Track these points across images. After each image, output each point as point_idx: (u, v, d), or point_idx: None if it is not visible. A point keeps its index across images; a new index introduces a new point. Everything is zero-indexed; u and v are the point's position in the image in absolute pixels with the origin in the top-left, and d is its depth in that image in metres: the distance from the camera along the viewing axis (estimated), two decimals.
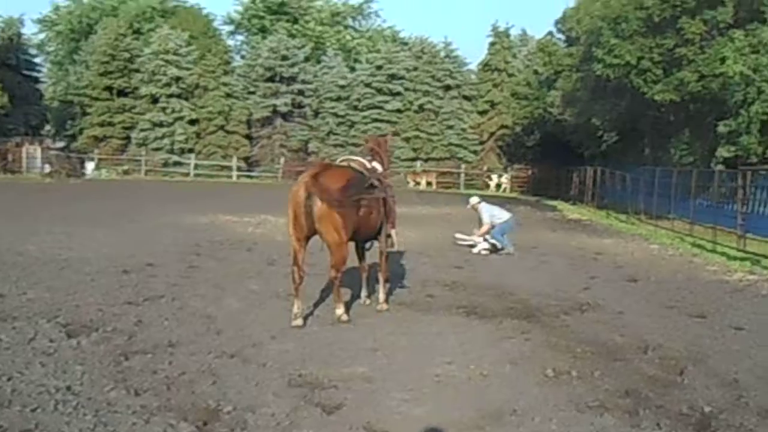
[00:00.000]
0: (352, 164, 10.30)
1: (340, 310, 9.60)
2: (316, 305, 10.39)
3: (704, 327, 10.27)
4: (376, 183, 10.09)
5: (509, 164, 57.07)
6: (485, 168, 57.65)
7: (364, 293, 10.92)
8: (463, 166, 57.45)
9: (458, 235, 18.73)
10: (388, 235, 10.51)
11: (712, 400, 6.96)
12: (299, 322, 9.18)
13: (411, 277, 13.53)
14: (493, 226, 17.72)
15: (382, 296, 10.59)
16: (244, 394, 6.53)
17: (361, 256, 10.88)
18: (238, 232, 19.84)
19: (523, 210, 34.35)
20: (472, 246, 17.94)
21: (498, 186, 54.26)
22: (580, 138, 41.69)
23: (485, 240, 17.76)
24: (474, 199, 18.83)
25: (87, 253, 14.56)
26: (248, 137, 58.10)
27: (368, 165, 10.38)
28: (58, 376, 6.80)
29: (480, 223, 18.02)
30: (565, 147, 45.20)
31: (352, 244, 10.53)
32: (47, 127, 64.44)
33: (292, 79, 58.44)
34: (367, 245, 10.80)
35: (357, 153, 12.33)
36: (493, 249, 17.63)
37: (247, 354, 7.81)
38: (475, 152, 58.49)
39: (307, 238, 9.48)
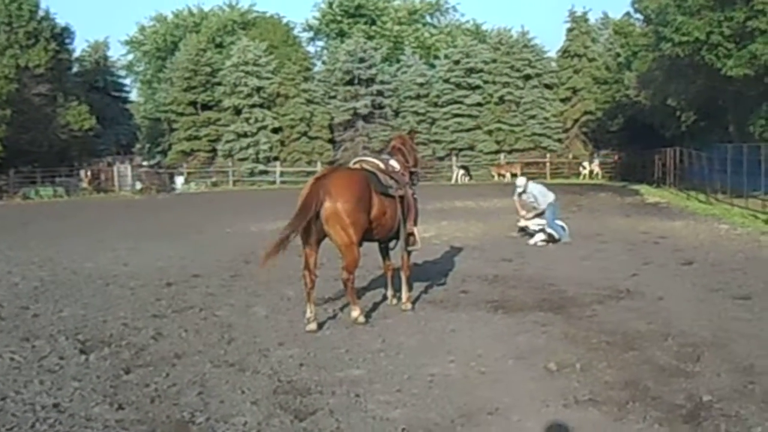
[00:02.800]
0: (365, 165, 10.22)
1: (356, 312, 9.52)
2: (343, 309, 10.31)
3: (743, 309, 9.83)
4: (389, 182, 9.97)
5: (596, 151, 55.94)
6: (571, 156, 56.71)
7: (389, 293, 10.81)
8: (548, 155, 56.70)
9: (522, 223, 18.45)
10: (410, 234, 10.37)
11: (717, 388, 6.62)
12: (313, 326, 9.14)
13: (455, 272, 13.37)
14: (542, 211, 17.57)
15: (405, 295, 10.45)
16: (224, 404, 6.50)
17: (384, 256, 10.77)
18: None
19: (604, 196, 33.74)
20: (531, 234, 17.68)
21: (591, 173, 53.25)
22: (660, 119, 40.52)
23: (542, 230, 17.42)
24: (521, 180, 18.52)
25: (139, 268, 14.84)
26: (331, 141, 58.49)
27: (382, 165, 10.26)
28: (51, 393, 6.90)
29: (528, 207, 17.96)
30: (649, 130, 44.03)
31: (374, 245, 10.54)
32: (139, 145, 66.41)
33: (370, 81, 58.52)
34: (391, 245, 10.69)
35: (375, 152, 12.31)
36: (550, 239, 17.28)
37: (248, 362, 7.79)
38: (559, 141, 57.60)
39: (318, 242, 9.45)
